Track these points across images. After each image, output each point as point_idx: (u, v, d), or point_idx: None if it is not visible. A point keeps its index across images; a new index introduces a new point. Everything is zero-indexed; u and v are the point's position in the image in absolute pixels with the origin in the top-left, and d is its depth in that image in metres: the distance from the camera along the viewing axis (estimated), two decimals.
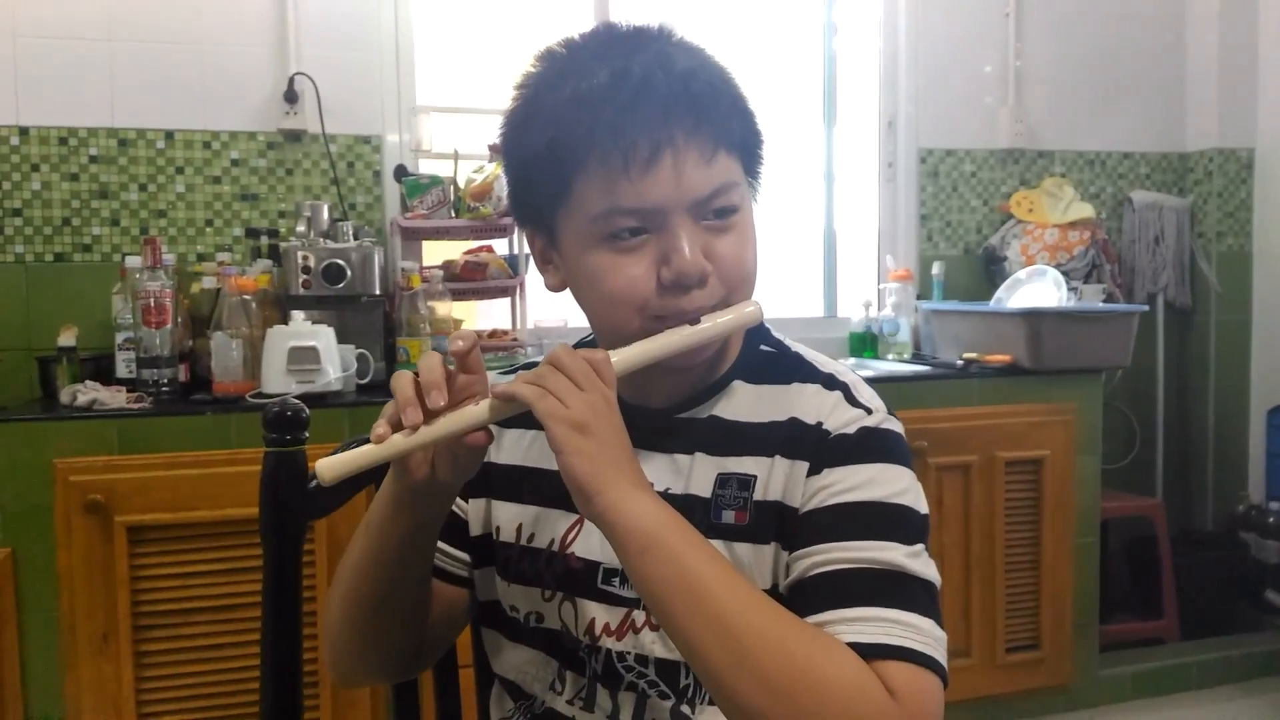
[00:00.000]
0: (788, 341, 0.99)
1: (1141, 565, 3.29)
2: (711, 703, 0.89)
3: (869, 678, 0.75)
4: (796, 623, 0.78)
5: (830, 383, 0.92)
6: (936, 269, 3.17)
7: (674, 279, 0.85)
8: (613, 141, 0.82)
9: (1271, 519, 3.26)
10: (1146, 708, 2.90)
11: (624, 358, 0.85)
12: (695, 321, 0.86)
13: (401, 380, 0.82)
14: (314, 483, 1.05)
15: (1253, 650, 3.10)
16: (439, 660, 1.15)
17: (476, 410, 0.82)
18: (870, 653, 0.77)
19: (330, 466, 0.81)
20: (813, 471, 0.87)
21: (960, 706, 2.65)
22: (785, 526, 0.87)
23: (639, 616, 0.91)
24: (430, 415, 0.81)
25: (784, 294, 3.33)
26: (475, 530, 1.04)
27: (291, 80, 2.66)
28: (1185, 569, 3.21)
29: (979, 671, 2.68)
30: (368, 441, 0.82)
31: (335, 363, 2.27)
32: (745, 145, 0.90)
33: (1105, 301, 3.13)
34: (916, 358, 3.07)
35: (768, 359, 0.97)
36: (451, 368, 0.83)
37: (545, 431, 0.79)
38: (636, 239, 0.85)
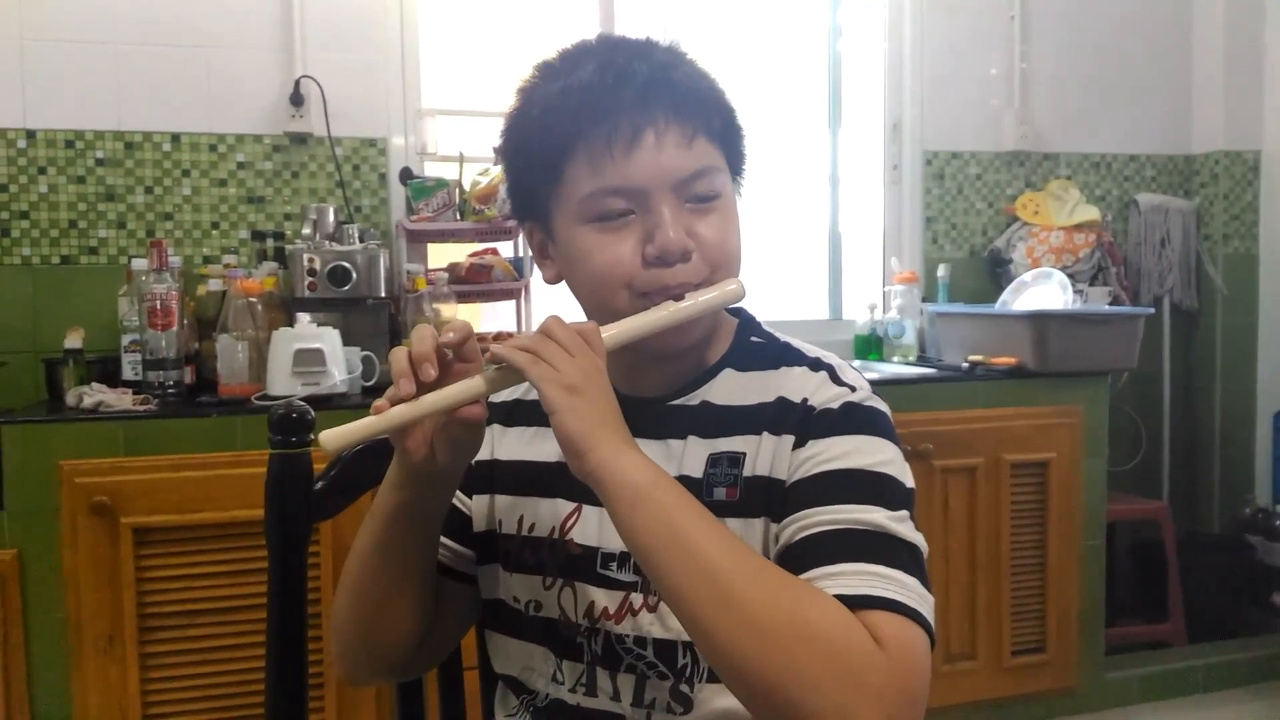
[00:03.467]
0: (776, 334, 1.03)
1: (1148, 568, 3.28)
2: (710, 681, 0.90)
3: (855, 625, 0.76)
4: (782, 573, 0.80)
5: (816, 365, 0.96)
6: (942, 271, 3.17)
7: (658, 254, 0.90)
8: (598, 124, 0.89)
9: (1278, 522, 3.25)
10: (1153, 711, 2.90)
11: (613, 331, 0.89)
12: (679, 298, 0.90)
13: (397, 355, 0.84)
14: (319, 483, 1.05)
15: (1260, 654, 3.10)
16: (444, 662, 1.15)
17: (473, 382, 0.85)
18: (856, 604, 0.78)
19: (334, 437, 0.82)
20: (798, 444, 0.90)
21: (966, 709, 2.65)
22: (773, 500, 0.90)
23: (636, 599, 0.93)
24: (423, 388, 0.83)
25: (789, 296, 3.33)
26: (479, 526, 1.05)
27: (297, 83, 2.67)
28: (1192, 572, 3.20)
29: (985, 674, 2.67)
30: None
31: (340, 365, 2.27)
32: (726, 137, 0.95)
33: (1111, 304, 3.13)
34: (922, 360, 3.07)
35: (756, 349, 1.00)
36: (443, 340, 0.85)
37: (539, 394, 0.82)
38: (622, 219, 0.91)
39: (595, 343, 0.86)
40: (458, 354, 0.86)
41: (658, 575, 0.79)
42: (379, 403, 0.83)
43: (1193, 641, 3.16)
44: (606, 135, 0.88)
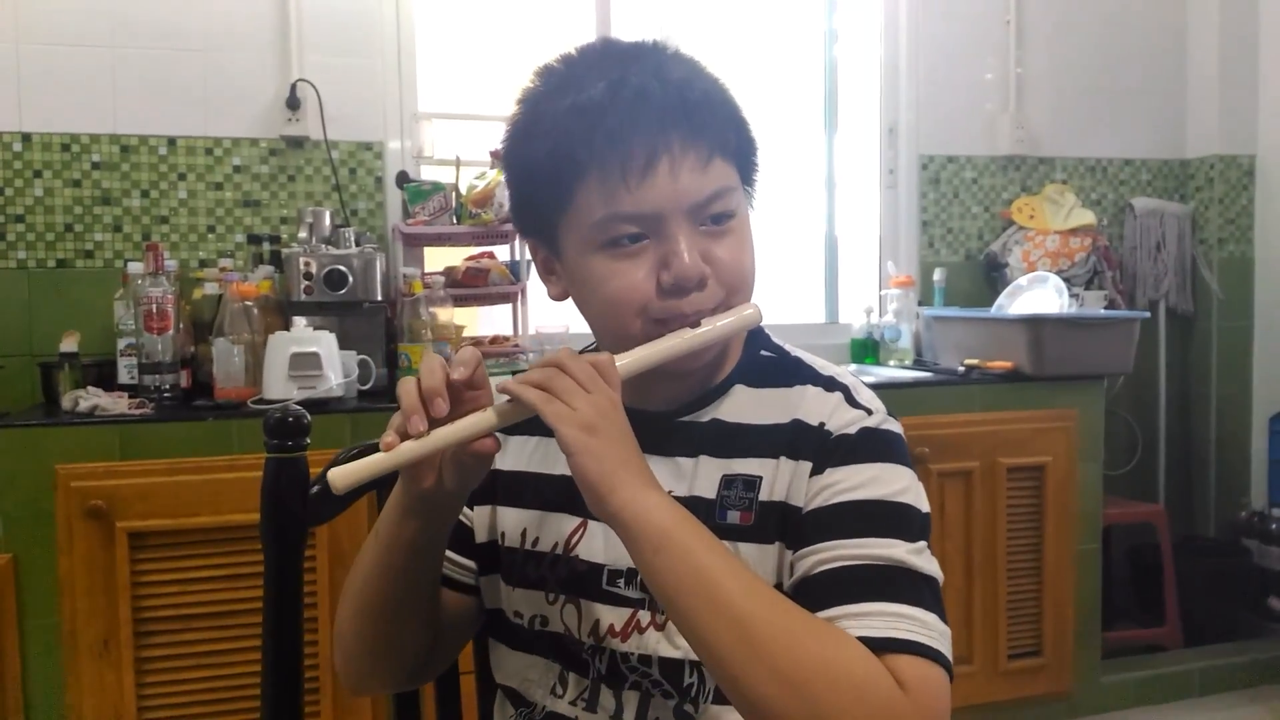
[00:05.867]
0: (787, 346, 1.00)
1: (1144, 572, 3.29)
2: (715, 702, 0.89)
3: (879, 671, 0.76)
4: (808, 617, 0.79)
5: (831, 385, 0.93)
6: (938, 275, 3.17)
7: (673, 282, 0.86)
8: (611, 149, 0.85)
9: (1274, 525, 3.25)
10: (1149, 715, 2.90)
11: (627, 361, 0.86)
12: (696, 324, 0.88)
13: (406, 388, 0.82)
14: (315, 488, 1.05)
15: (1255, 657, 3.10)
16: None
17: (483, 417, 0.83)
18: (879, 647, 0.77)
19: (342, 475, 0.81)
20: (815, 471, 0.88)
21: (962, 713, 2.64)
22: (789, 526, 0.88)
23: (644, 617, 0.92)
24: (435, 423, 0.81)
25: (786, 300, 3.33)
26: (481, 537, 1.04)
27: (294, 87, 2.66)
28: (1187, 576, 3.20)
29: (981, 678, 2.67)
30: (376, 448, 0.83)
31: (337, 369, 2.27)
32: (741, 152, 0.92)
33: (1107, 308, 3.13)
34: (918, 364, 3.07)
35: (768, 363, 0.98)
36: (455, 376, 0.83)
37: (555, 434, 0.80)
38: (636, 245, 0.87)
39: (610, 376, 0.83)
40: (468, 384, 0.84)
41: (683, 620, 0.78)
42: (388, 439, 0.81)
43: (1189, 645, 3.16)
44: (620, 161, 0.84)
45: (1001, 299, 3.05)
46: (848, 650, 0.76)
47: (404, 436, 0.81)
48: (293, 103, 2.67)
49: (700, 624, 0.77)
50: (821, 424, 0.90)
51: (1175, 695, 2.98)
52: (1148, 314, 3.11)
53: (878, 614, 0.79)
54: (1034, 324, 2.71)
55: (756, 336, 1.00)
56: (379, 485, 0.94)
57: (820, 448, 0.89)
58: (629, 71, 0.86)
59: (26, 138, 2.55)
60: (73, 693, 2.05)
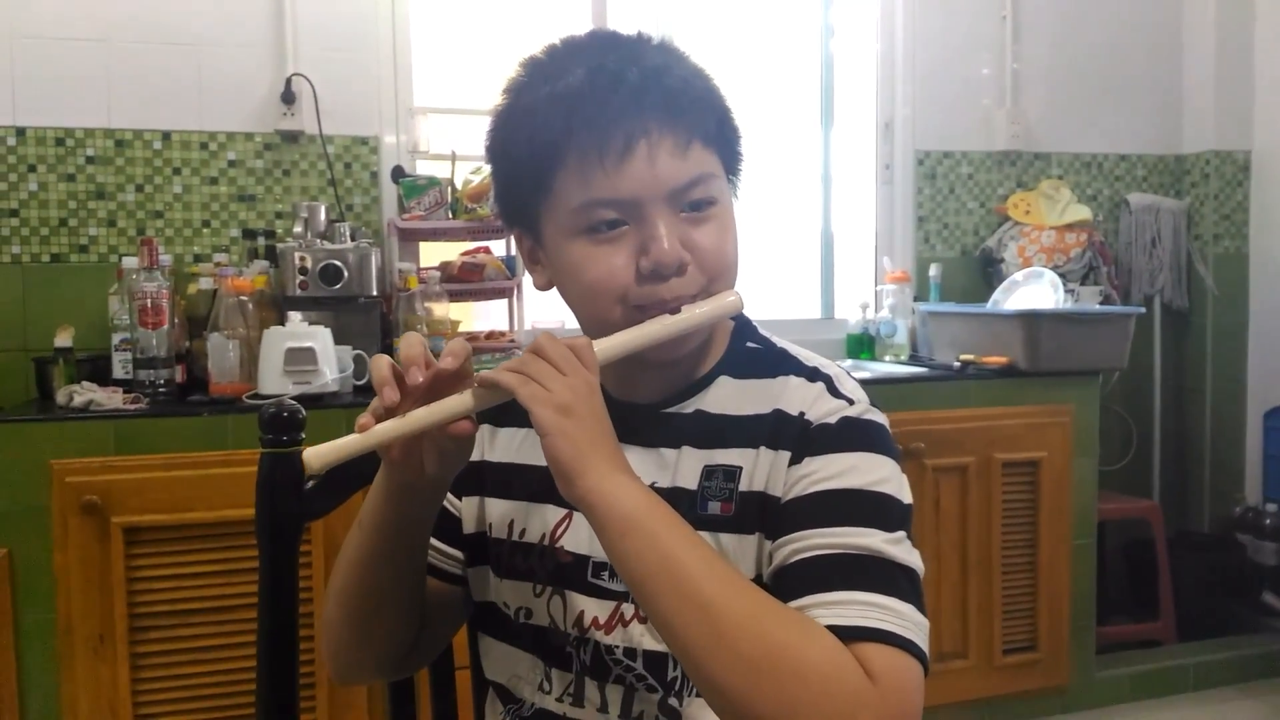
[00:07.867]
0: (774, 338, 1.00)
1: (1138, 567, 3.29)
2: (699, 695, 0.89)
3: (847, 659, 0.75)
4: (775, 605, 0.78)
5: (814, 375, 0.93)
6: (934, 271, 3.17)
7: (652, 268, 0.86)
8: (589, 134, 0.85)
9: (1268, 520, 3.26)
10: (1143, 709, 2.90)
11: (606, 346, 0.86)
12: (676, 311, 0.88)
13: (378, 362, 0.83)
14: (310, 483, 1.05)
15: (1249, 652, 3.11)
16: (436, 662, 1.15)
17: (459, 399, 0.83)
18: (848, 635, 0.76)
19: (318, 455, 0.81)
20: (794, 461, 0.88)
21: (957, 708, 2.66)
22: (768, 516, 0.88)
23: (628, 609, 0.92)
24: (408, 393, 0.81)
25: (781, 295, 3.33)
26: (469, 528, 1.04)
27: (289, 81, 2.66)
28: (1182, 571, 3.21)
29: (976, 673, 2.68)
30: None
31: (332, 364, 2.27)
32: (722, 139, 0.92)
33: (1102, 303, 3.14)
34: (914, 359, 3.07)
35: (753, 355, 0.98)
36: (443, 366, 0.83)
37: (530, 415, 0.80)
38: (615, 230, 0.87)
39: (588, 358, 0.83)
40: (453, 373, 0.84)
41: (648, 605, 0.78)
42: (363, 419, 0.81)
43: (1183, 640, 3.17)
44: (597, 146, 0.84)
45: (997, 294, 3.05)
46: (815, 639, 0.76)
47: (379, 418, 0.82)
48: (288, 97, 2.66)
49: (665, 610, 0.76)
50: (802, 414, 0.90)
51: (1169, 690, 2.99)
52: (1143, 309, 3.11)
53: (850, 602, 0.78)
54: (1029, 319, 2.72)
55: (743, 329, 0.99)
56: (369, 479, 0.94)
57: (800, 437, 0.88)
58: (607, 59, 0.87)
59: (21, 132, 2.54)
60: (68, 688, 2.05)
